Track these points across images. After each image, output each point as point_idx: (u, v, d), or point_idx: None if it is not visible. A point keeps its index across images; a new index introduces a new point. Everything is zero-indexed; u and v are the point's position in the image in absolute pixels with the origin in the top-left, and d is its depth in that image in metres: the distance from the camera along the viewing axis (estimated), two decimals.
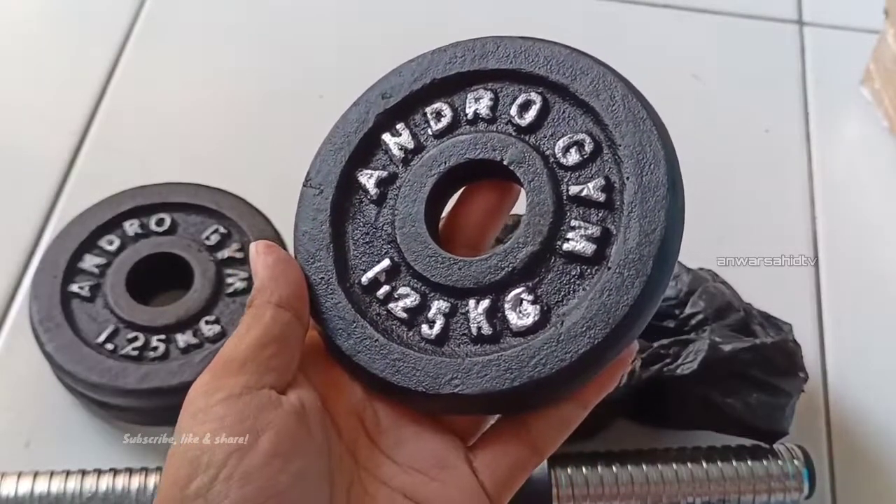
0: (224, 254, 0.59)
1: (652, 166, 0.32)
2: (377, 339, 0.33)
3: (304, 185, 0.36)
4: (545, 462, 0.45)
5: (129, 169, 0.67)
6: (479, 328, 0.33)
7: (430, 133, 0.36)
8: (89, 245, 0.59)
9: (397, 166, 0.35)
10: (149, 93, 0.74)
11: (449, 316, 0.33)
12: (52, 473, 0.52)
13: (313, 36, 0.78)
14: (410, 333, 0.33)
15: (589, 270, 0.32)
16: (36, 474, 0.52)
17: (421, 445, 0.33)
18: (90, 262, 0.59)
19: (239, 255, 0.59)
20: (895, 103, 0.72)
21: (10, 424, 0.57)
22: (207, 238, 0.60)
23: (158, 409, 0.56)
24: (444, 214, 0.37)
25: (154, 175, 0.63)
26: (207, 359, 0.55)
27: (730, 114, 0.75)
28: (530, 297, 0.32)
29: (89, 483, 0.52)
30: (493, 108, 0.35)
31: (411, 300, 0.34)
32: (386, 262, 0.34)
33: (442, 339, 0.33)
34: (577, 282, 0.32)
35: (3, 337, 0.61)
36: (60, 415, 0.58)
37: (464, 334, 0.33)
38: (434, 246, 0.34)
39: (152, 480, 0.52)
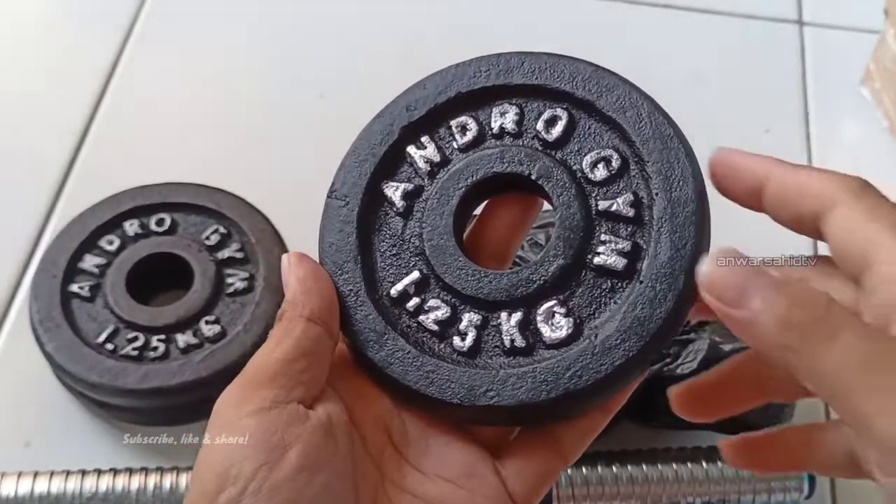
0: (224, 254, 0.59)
1: (681, 183, 0.32)
2: (409, 351, 0.33)
3: (328, 197, 0.36)
4: None
5: (129, 169, 0.67)
6: (513, 340, 0.33)
7: (456, 146, 0.36)
8: (89, 245, 0.59)
9: (423, 179, 0.36)
10: (149, 93, 0.74)
11: (480, 328, 0.34)
12: (52, 473, 0.52)
13: (313, 35, 0.78)
14: (442, 345, 0.34)
15: (620, 284, 0.32)
16: (36, 474, 0.52)
17: (449, 455, 0.33)
18: (90, 262, 0.59)
19: (239, 255, 0.59)
20: (895, 103, 0.72)
21: (10, 424, 0.57)
22: (207, 238, 0.60)
23: (158, 409, 0.56)
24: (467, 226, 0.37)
25: (154, 175, 0.63)
26: (208, 359, 0.55)
27: (730, 114, 0.75)
28: (562, 310, 0.33)
29: (89, 483, 0.52)
30: (519, 123, 0.35)
31: (442, 312, 0.34)
32: (415, 275, 0.35)
33: (474, 351, 0.33)
34: (609, 295, 0.32)
35: (3, 337, 0.61)
36: (60, 415, 0.58)
37: (496, 346, 0.33)
38: (464, 258, 0.34)
39: (152, 480, 0.52)
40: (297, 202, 0.67)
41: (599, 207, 0.33)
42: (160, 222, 0.61)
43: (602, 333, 0.32)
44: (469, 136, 0.36)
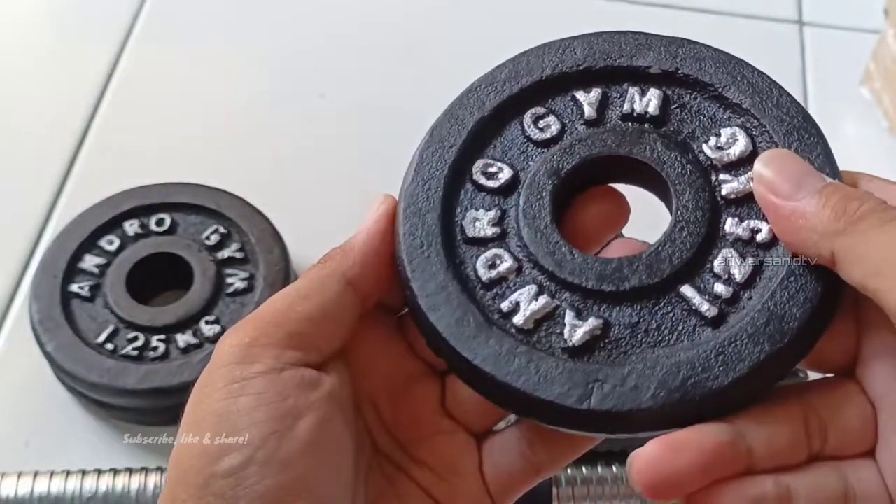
0: (224, 254, 0.59)
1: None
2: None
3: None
4: None
5: (129, 169, 0.67)
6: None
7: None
8: (89, 245, 0.59)
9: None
10: (149, 92, 0.74)
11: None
12: (52, 473, 0.52)
13: (313, 36, 0.78)
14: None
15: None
16: (36, 474, 0.52)
17: (437, 445, 0.32)
18: (90, 262, 0.59)
19: (239, 255, 0.59)
20: (895, 103, 0.72)
21: (10, 424, 0.57)
22: (207, 238, 0.60)
23: (158, 409, 0.56)
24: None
25: (154, 175, 0.63)
26: (207, 359, 0.54)
27: None
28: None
29: (89, 483, 0.52)
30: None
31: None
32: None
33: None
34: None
35: (3, 337, 0.61)
36: (60, 415, 0.58)
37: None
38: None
39: (152, 480, 0.52)
40: (297, 202, 0.67)
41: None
42: (160, 222, 0.61)
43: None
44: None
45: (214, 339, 0.56)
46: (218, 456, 0.27)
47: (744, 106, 0.31)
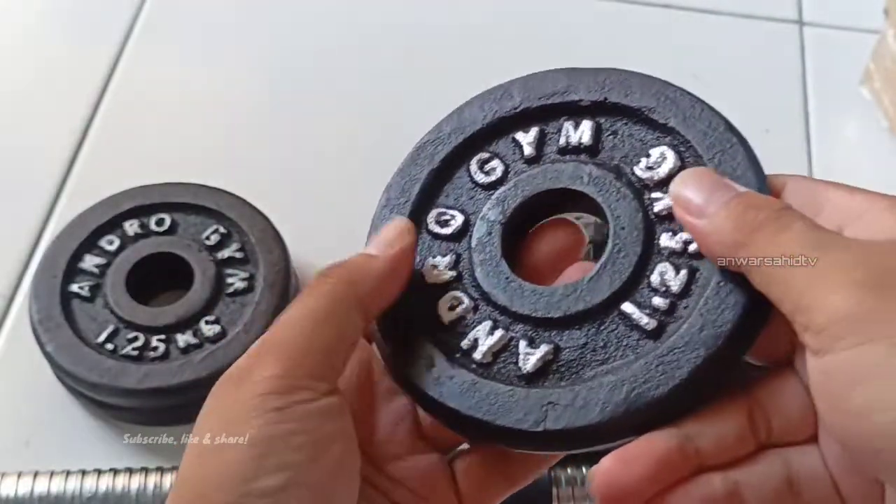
0: (224, 254, 0.59)
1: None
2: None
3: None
4: None
5: (129, 169, 0.67)
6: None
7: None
8: (89, 245, 0.59)
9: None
10: (149, 93, 0.74)
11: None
12: (52, 473, 0.52)
13: (313, 36, 0.78)
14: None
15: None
16: (36, 474, 0.52)
17: (412, 462, 0.33)
18: (90, 262, 0.59)
19: (239, 255, 0.59)
20: (895, 103, 0.72)
21: (10, 424, 0.57)
22: (207, 238, 0.60)
23: (158, 409, 0.56)
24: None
25: (154, 175, 0.63)
26: (207, 359, 0.55)
27: (730, 114, 0.74)
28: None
29: (89, 483, 0.52)
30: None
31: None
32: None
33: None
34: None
35: (3, 337, 0.61)
36: (60, 415, 0.58)
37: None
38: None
39: (152, 480, 0.52)
40: (297, 202, 0.67)
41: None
42: (160, 222, 0.61)
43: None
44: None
45: (214, 339, 0.56)
46: (256, 474, 0.28)
47: (669, 125, 0.33)
